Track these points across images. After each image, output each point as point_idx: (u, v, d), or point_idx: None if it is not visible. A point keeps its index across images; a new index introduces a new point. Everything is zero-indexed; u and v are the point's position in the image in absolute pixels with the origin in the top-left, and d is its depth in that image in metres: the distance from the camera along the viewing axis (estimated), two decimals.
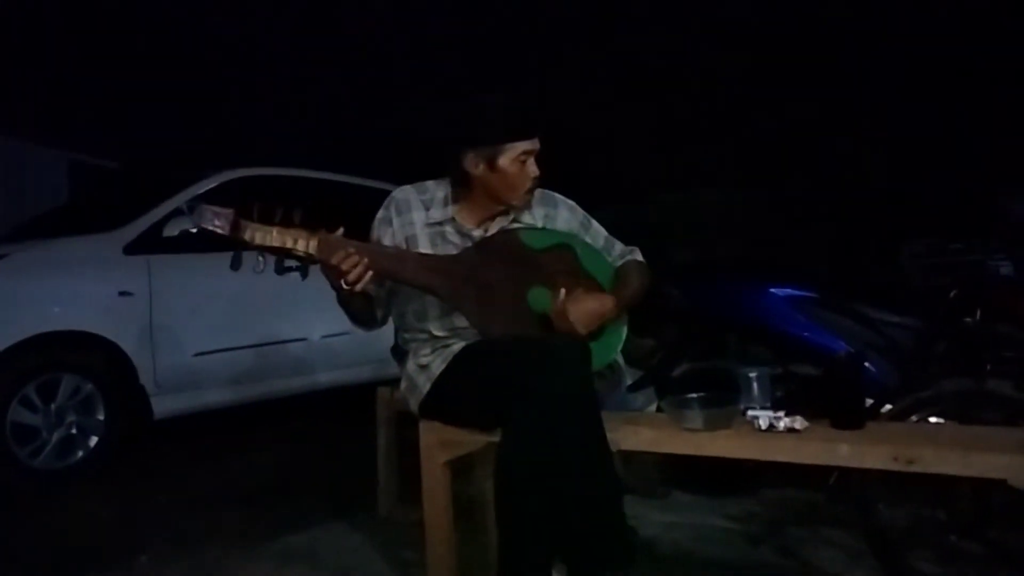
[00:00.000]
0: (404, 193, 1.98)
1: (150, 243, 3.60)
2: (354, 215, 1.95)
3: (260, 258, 1.68)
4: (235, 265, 1.67)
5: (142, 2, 6.00)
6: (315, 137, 7.04)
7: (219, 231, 1.63)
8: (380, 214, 1.97)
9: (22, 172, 6.79)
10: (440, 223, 1.93)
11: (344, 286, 1.70)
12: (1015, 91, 5.47)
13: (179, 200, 3.76)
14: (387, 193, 2.03)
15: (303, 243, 1.68)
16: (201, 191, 3.87)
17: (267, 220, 1.67)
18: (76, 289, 3.40)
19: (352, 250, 1.69)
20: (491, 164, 1.85)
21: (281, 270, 1.70)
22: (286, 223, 1.68)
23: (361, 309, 1.90)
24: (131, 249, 3.57)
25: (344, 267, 1.67)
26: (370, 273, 1.71)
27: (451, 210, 1.93)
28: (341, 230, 1.73)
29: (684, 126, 7.04)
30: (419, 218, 1.94)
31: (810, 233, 6.81)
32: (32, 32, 6.04)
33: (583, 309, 1.82)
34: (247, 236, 1.65)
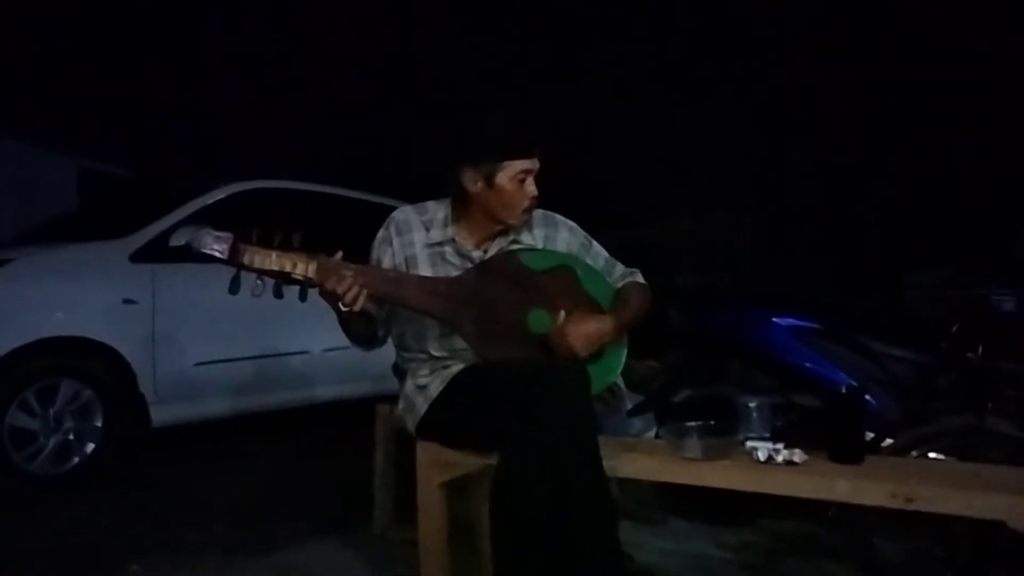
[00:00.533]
0: (404, 213, 1.99)
1: (156, 252, 3.61)
2: (360, 230, 1.96)
3: (259, 281, 1.69)
4: (233, 289, 1.69)
5: (156, 11, 6.06)
6: (323, 150, 7.08)
7: (218, 255, 1.65)
8: (380, 234, 1.98)
9: (32, 177, 6.82)
10: (440, 244, 1.94)
11: (342, 308, 1.71)
12: None
13: (187, 210, 3.77)
14: (393, 209, 2.04)
15: (302, 267, 1.68)
16: (210, 202, 3.89)
17: (266, 244, 1.68)
18: (80, 295, 3.40)
19: (350, 274, 1.70)
20: (489, 181, 1.86)
21: (279, 293, 1.71)
22: (285, 247, 1.69)
23: (362, 330, 1.91)
24: (137, 257, 3.57)
25: (341, 291, 1.68)
26: (367, 296, 1.71)
27: (451, 231, 1.94)
28: (340, 253, 1.73)
29: (688, 149, 7.07)
30: (419, 239, 1.94)
31: (816, 260, 6.81)
32: (45, 39, 6.10)
33: (583, 331, 1.82)
34: (246, 260, 1.66)
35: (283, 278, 1.69)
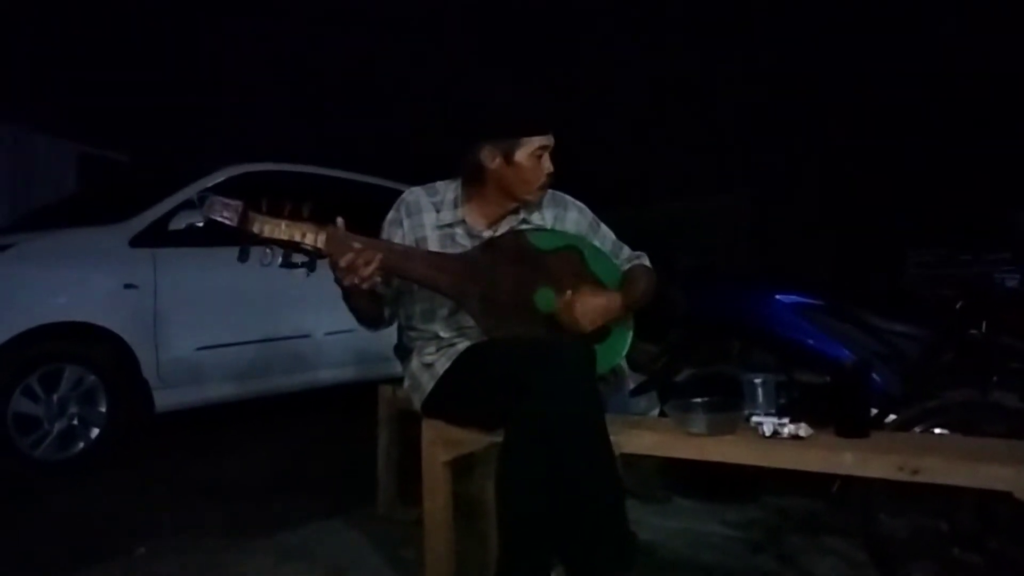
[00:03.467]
0: (414, 195, 1.98)
1: (156, 236, 3.60)
2: (361, 213, 1.95)
3: (268, 251, 1.67)
4: (242, 258, 1.66)
5: None
6: (325, 133, 7.05)
7: (227, 223, 1.62)
8: (390, 215, 1.98)
9: (32, 163, 6.80)
10: (450, 225, 1.93)
11: (353, 282, 1.69)
12: None
13: (186, 194, 3.76)
14: (394, 191, 2.03)
15: (311, 237, 1.67)
16: (208, 185, 3.87)
17: (276, 213, 1.67)
18: (81, 280, 3.40)
19: (360, 246, 1.69)
20: (508, 158, 1.86)
21: (288, 264, 1.69)
22: (295, 217, 1.68)
23: (367, 308, 1.90)
24: (137, 242, 3.57)
25: (351, 262, 1.67)
26: (376, 268, 1.70)
27: (461, 212, 1.94)
28: (344, 224, 1.72)
29: (693, 131, 7.04)
30: (429, 220, 1.94)
31: (817, 240, 6.81)
32: (44, 25, 6.06)
33: (590, 304, 1.82)
34: (255, 228, 1.64)
35: (292, 248, 1.68)
